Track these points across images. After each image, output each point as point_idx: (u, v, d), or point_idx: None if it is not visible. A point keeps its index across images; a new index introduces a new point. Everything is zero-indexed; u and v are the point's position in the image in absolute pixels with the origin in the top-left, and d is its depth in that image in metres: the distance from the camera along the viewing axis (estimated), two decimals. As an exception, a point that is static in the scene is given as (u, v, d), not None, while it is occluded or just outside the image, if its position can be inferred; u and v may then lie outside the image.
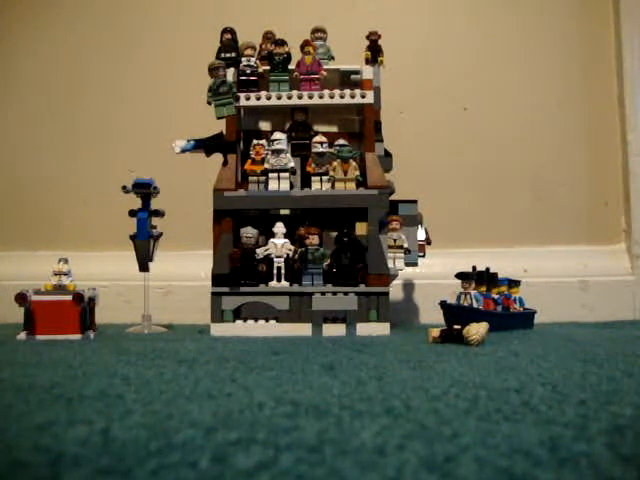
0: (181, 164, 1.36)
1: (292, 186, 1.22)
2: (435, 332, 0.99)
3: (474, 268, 1.18)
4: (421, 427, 0.40)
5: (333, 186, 1.20)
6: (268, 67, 1.28)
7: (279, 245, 1.16)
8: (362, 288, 1.15)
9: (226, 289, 1.15)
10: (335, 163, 1.20)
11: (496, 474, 0.31)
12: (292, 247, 1.17)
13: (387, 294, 1.15)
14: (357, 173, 1.20)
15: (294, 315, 1.14)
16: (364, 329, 1.13)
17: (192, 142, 1.21)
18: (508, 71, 1.63)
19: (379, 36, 1.29)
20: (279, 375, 0.63)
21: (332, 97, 1.24)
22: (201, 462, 0.32)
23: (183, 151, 1.21)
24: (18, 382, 0.60)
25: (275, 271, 1.16)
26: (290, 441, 0.37)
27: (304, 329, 1.13)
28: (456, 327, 0.97)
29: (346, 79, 1.32)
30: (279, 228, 1.17)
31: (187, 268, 1.55)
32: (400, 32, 1.60)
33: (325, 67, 1.27)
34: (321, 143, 1.23)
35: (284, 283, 1.16)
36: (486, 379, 0.60)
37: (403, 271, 1.25)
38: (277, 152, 1.20)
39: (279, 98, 1.24)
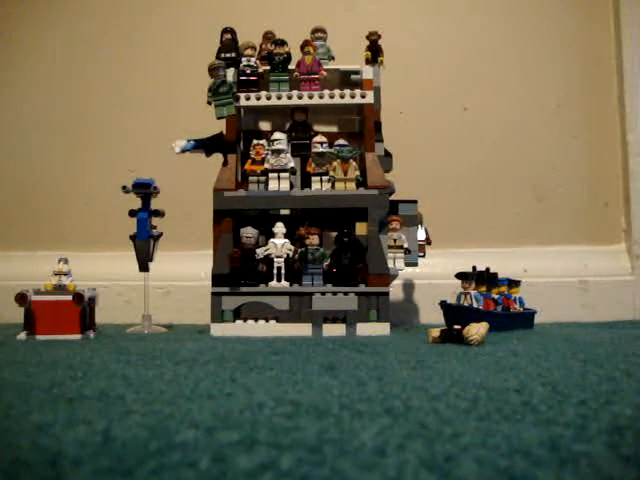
0: (181, 164, 1.36)
1: (292, 186, 1.22)
2: (435, 332, 0.99)
3: (474, 268, 1.18)
4: (421, 427, 0.40)
5: (333, 186, 1.20)
6: (268, 67, 1.28)
7: (279, 245, 1.16)
8: (362, 288, 1.15)
9: (226, 289, 1.15)
10: (335, 163, 1.20)
11: (496, 474, 0.31)
12: (292, 247, 1.17)
13: (387, 294, 1.15)
14: (357, 173, 1.20)
15: (294, 315, 1.14)
16: (364, 329, 1.13)
17: (192, 142, 1.21)
18: (508, 71, 1.63)
19: (379, 36, 1.29)
20: (279, 375, 0.63)
21: (332, 97, 1.24)
22: (201, 462, 0.32)
23: (183, 151, 1.21)
24: (18, 382, 0.60)
25: (275, 271, 1.16)
26: (290, 441, 0.37)
27: (304, 329, 1.13)
28: (456, 327, 0.97)
29: (346, 79, 1.32)
30: (279, 228, 1.17)
31: (187, 268, 1.55)
32: (400, 32, 1.60)
33: (325, 67, 1.27)
34: (321, 143, 1.23)
35: (284, 283, 1.16)
36: (486, 379, 0.60)
37: (403, 271, 1.25)
38: (277, 152, 1.20)
39: (279, 98, 1.24)
